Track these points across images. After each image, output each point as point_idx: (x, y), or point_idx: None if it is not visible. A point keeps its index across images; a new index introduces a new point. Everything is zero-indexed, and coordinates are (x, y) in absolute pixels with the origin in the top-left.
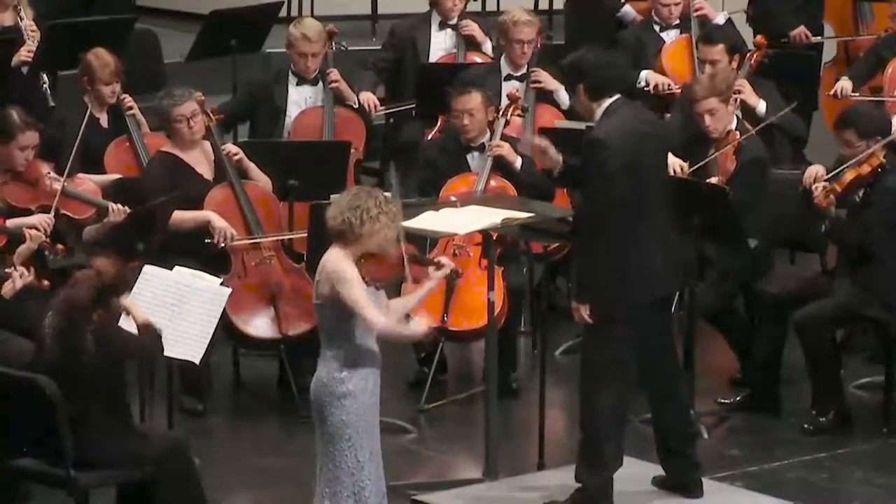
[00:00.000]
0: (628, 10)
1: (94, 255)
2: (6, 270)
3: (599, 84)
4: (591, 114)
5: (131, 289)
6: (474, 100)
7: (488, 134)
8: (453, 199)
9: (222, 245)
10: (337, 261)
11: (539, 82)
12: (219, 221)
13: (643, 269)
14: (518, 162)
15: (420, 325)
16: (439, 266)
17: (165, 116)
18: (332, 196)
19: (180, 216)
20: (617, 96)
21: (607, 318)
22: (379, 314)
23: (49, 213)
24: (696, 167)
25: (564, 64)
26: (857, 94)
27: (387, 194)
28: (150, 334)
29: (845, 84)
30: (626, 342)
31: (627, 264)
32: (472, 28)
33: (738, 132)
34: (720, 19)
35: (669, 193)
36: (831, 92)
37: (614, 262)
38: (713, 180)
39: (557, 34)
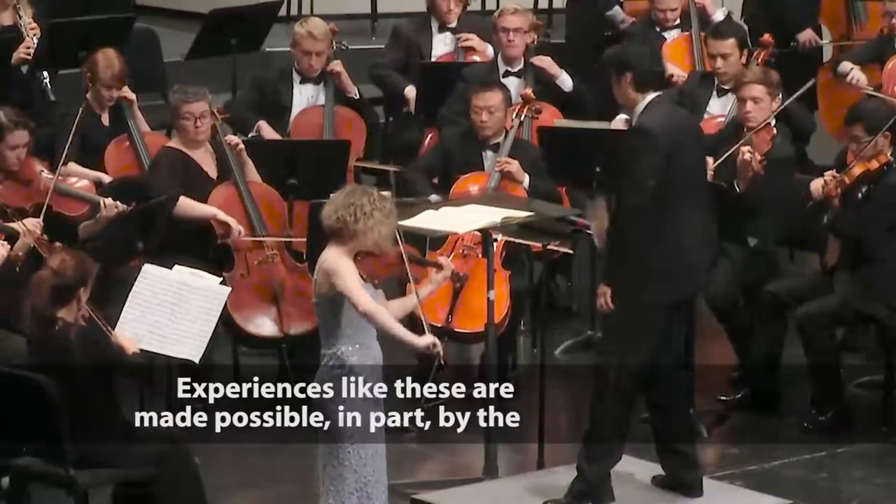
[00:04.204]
0: (618, 11)
1: (52, 255)
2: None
3: (647, 75)
4: (632, 105)
5: (91, 280)
6: (496, 97)
7: (503, 135)
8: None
9: (228, 241)
10: (332, 258)
11: (541, 59)
12: (225, 216)
13: (672, 267)
14: (526, 181)
15: (424, 338)
16: (439, 268)
17: (174, 111)
18: (332, 195)
19: (189, 205)
20: (660, 92)
21: (630, 315)
22: (369, 299)
23: (43, 211)
24: (721, 158)
25: (608, 54)
26: (870, 89)
27: (385, 193)
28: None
29: (860, 76)
30: (644, 340)
31: (658, 262)
32: (472, 40)
33: (775, 129)
34: (719, 15)
35: (706, 194)
36: (840, 70)
37: (644, 259)
38: (749, 157)
39: (557, 34)
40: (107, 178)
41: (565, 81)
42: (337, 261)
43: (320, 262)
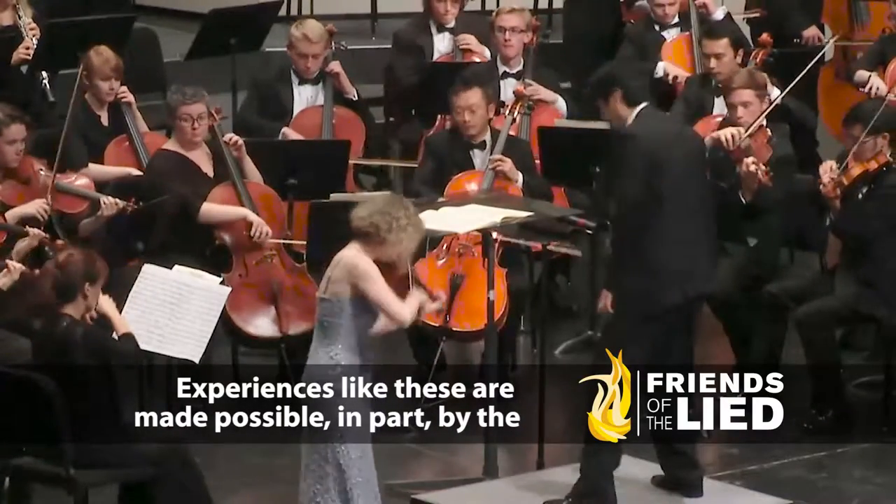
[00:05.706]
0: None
1: (59, 251)
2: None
3: (636, 91)
4: (622, 121)
5: (101, 279)
6: (475, 95)
7: (489, 133)
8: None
9: (258, 240)
10: (358, 256)
11: (536, 89)
12: (255, 217)
13: (671, 270)
14: (519, 179)
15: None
16: (434, 299)
17: (172, 112)
18: (332, 195)
19: (214, 209)
20: (647, 104)
21: (630, 317)
22: (405, 308)
23: None
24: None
25: (596, 76)
26: (892, 95)
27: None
28: (131, 343)
29: (880, 84)
30: (644, 342)
31: (652, 268)
32: (470, 41)
33: (768, 129)
34: (719, 14)
35: (708, 198)
36: (858, 79)
37: (642, 262)
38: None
39: (556, 34)
40: (136, 172)
41: (560, 107)
42: (364, 262)
43: (340, 258)
